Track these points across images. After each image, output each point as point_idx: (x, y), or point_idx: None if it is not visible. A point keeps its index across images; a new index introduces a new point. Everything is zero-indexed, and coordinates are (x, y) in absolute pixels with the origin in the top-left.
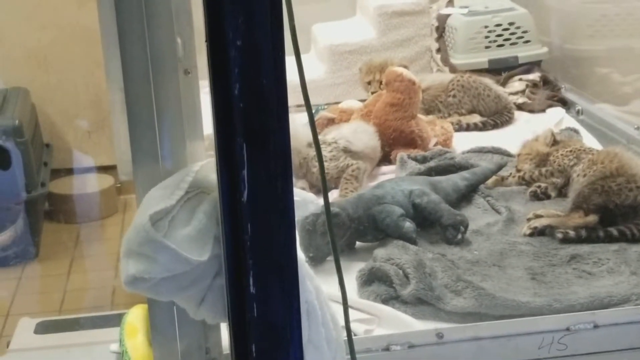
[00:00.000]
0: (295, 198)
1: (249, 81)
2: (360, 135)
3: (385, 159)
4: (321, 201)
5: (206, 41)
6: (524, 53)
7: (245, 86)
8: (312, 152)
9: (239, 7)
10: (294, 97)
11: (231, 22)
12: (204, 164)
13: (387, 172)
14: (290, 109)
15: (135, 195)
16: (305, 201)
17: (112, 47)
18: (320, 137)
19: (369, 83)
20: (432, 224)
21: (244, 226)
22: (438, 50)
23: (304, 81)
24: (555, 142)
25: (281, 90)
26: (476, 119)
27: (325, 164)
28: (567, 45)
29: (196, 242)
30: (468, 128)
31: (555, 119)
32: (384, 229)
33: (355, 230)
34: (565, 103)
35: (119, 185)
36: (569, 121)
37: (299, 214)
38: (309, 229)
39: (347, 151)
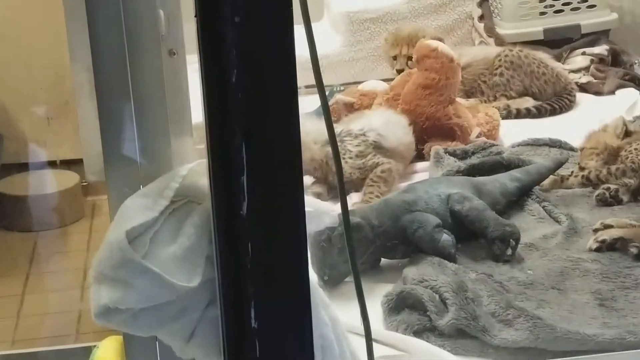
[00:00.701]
0: (308, 209)
1: (250, 66)
2: (394, 128)
3: (417, 155)
4: (338, 210)
5: (195, 16)
6: (588, 20)
7: (245, 72)
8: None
9: None
10: (302, 76)
11: None
12: (193, 166)
13: (419, 171)
14: (298, 90)
15: (108, 203)
16: (320, 212)
17: (78, 17)
18: (336, 127)
19: (395, 58)
20: (475, 237)
21: (243, 245)
22: (481, 18)
23: (316, 56)
24: (627, 133)
25: (290, 78)
26: (529, 103)
27: (350, 160)
28: None
29: (184, 264)
30: (519, 115)
31: (627, 102)
32: (416, 243)
33: (381, 245)
34: (639, 82)
35: (85, 183)
36: None
37: (312, 227)
38: (323, 246)
39: (377, 147)
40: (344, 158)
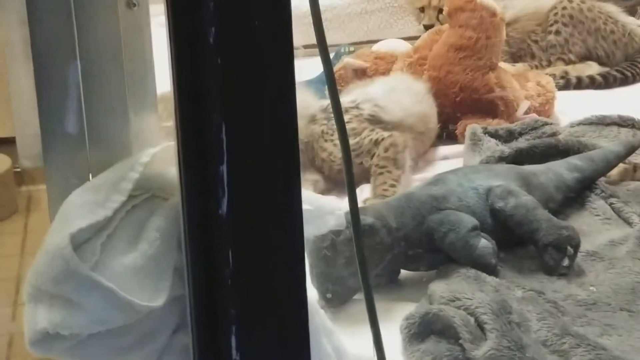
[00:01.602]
0: (306, 207)
1: (233, 23)
2: (400, 95)
3: (447, 135)
4: (345, 207)
5: None
6: None
7: (226, 31)
8: (319, 126)
9: None
10: (299, 33)
11: None
12: (158, 151)
13: (451, 156)
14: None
15: (47, 196)
16: (322, 211)
17: None
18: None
19: (423, 11)
20: (522, 243)
21: (222, 254)
22: None
23: (318, 7)
24: None
25: (284, 37)
26: (593, 69)
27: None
28: None
29: (145, 277)
30: (580, 84)
31: None
32: (446, 250)
33: (401, 253)
34: None
35: (18, 169)
36: None
37: (312, 231)
38: (326, 255)
39: (376, 121)
40: (331, 139)
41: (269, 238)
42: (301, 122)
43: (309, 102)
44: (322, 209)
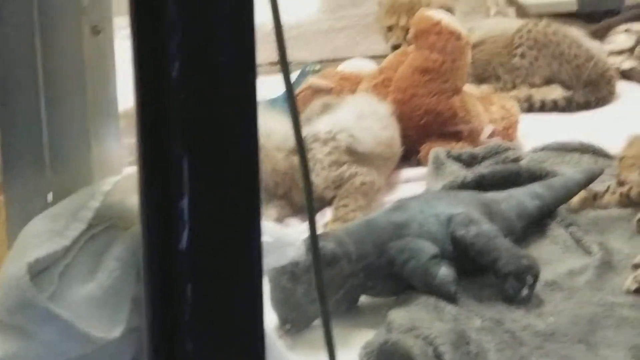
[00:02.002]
0: (267, 239)
1: (197, 57)
2: (368, 122)
3: (410, 157)
4: (305, 236)
5: None
6: None
7: (190, 65)
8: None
9: None
10: (264, 50)
11: None
12: (119, 180)
13: (413, 179)
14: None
15: (5, 223)
16: (282, 243)
17: None
18: (304, 121)
19: (390, 30)
20: (483, 271)
21: (181, 288)
22: None
23: (280, 26)
24: None
25: (248, 74)
26: (557, 93)
27: (323, 172)
28: None
29: (103, 308)
30: (544, 108)
31: None
32: (407, 278)
33: (361, 279)
34: None
35: None
36: None
37: (272, 262)
38: (285, 287)
39: (351, 153)
40: (314, 169)
41: (228, 273)
42: (280, 155)
43: (287, 134)
44: (282, 241)
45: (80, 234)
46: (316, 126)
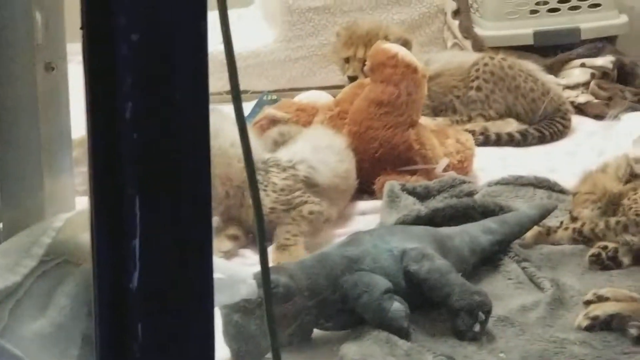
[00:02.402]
0: (219, 276)
1: (150, 99)
2: (325, 154)
3: (364, 190)
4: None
5: (82, 28)
6: (590, 23)
7: (143, 106)
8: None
9: None
10: (221, 79)
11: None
12: (72, 216)
13: (368, 212)
14: (212, 98)
15: None
16: (234, 280)
17: None
18: (265, 149)
19: (347, 61)
20: (435, 306)
21: (132, 327)
22: (456, 13)
23: (232, 54)
24: (632, 176)
25: (201, 116)
26: (512, 127)
27: (273, 194)
28: None
29: (54, 344)
30: (499, 141)
31: (634, 130)
32: (359, 312)
33: (314, 312)
34: None
35: None
36: None
37: (224, 300)
38: (238, 322)
39: (309, 184)
40: (265, 189)
41: (179, 313)
42: (238, 165)
43: (255, 150)
44: (234, 278)
45: (31, 270)
46: (278, 153)
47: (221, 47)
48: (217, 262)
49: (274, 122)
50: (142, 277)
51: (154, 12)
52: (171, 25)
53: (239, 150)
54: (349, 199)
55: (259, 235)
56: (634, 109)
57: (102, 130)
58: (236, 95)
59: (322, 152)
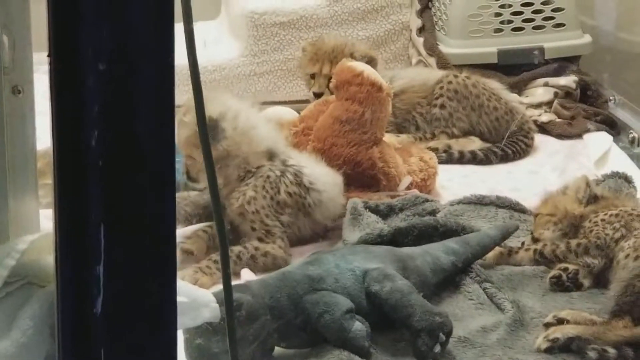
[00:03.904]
0: (181, 299)
1: (116, 127)
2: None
3: None
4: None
5: (49, 55)
6: (554, 43)
7: (108, 135)
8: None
9: (107, 5)
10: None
11: (91, 30)
12: (36, 238)
13: (329, 228)
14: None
15: None
16: (197, 303)
17: None
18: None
19: (313, 77)
20: (396, 327)
21: (95, 353)
22: (421, 30)
23: (196, 67)
24: (593, 198)
25: (166, 143)
26: (475, 145)
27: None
28: (622, 35)
29: None
30: (462, 159)
31: (596, 151)
32: (321, 330)
33: (275, 330)
34: (613, 125)
35: None
36: (618, 157)
37: (187, 322)
38: (200, 345)
39: (303, 205)
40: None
41: (142, 338)
42: (258, 150)
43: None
44: (197, 301)
45: None
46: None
47: (185, 61)
48: (180, 285)
49: None
50: (106, 303)
51: (121, 43)
52: (138, 55)
53: (259, 132)
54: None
55: (222, 254)
56: (594, 130)
57: (68, 158)
58: (200, 115)
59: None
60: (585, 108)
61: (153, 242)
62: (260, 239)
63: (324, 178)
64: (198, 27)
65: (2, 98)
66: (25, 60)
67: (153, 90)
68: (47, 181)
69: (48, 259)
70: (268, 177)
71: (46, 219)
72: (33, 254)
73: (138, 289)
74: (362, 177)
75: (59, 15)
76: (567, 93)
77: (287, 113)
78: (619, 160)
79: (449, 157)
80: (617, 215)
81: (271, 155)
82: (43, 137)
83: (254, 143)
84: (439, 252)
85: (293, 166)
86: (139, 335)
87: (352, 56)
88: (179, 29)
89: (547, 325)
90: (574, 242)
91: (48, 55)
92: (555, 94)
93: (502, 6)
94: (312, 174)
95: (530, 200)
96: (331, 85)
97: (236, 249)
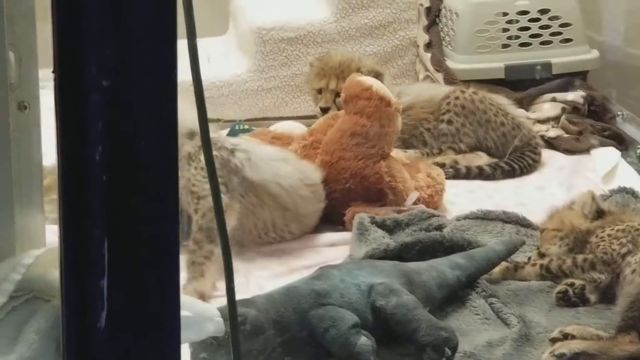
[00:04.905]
0: (186, 313)
1: (119, 142)
2: (282, 164)
3: (333, 220)
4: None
5: (54, 71)
6: (561, 58)
7: (112, 150)
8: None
9: (111, 23)
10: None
11: (96, 48)
12: (42, 253)
13: (337, 243)
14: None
15: None
16: (201, 317)
17: None
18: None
19: (320, 92)
20: (402, 341)
21: None
22: (428, 46)
23: (200, 83)
24: (600, 214)
25: (169, 158)
26: (482, 160)
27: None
28: (629, 50)
29: None
30: (469, 174)
31: (604, 166)
32: (326, 345)
33: (281, 345)
34: (621, 140)
35: None
36: (626, 172)
37: (191, 337)
38: (205, 359)
39: (240, 179)
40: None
41: (146, 352)
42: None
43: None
44: (201, 315)
45: (1, 306)
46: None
47: (189, 77)
48: (184, 299)
49: None
50: (110, 317)
51: (125, 59)
52: (141, 72)
53: (181, 112)
54: (312, 227)
55: (226, 270)
56: (601, 145)
57: (72, 172)
58: (203, 128)
59: (282, 162)
60: (593, 123)
61: (156, 256)
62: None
63: (258, 147)
64: (205, 43)
65: (8, 114)
66: (31, 77)
67: (156, 106)
68: (54, 197)
69: (54, 273)
70: (189, 153)
71: (54, 234)
72: (39, 268)
73: (142, 303)
74: (368, 191)
75: (64, 33)
76: (574, 108)
77: (298, 127)
78: (627, 176)
79: (455, 173)
80: (623, 230)
81: (192, 135)
82: (50, 153)
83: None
84: (444, 267)
85: (212, 137)
86: (143, 349)
87: (359, 71)
88: (183, 45)
89: (554, 341)
90: (580, 257)
91: (53, 72)
92: (563, 109)
93: (509, 22)
94: (235, 141)
95: (536, 215)
96: (340, 99)
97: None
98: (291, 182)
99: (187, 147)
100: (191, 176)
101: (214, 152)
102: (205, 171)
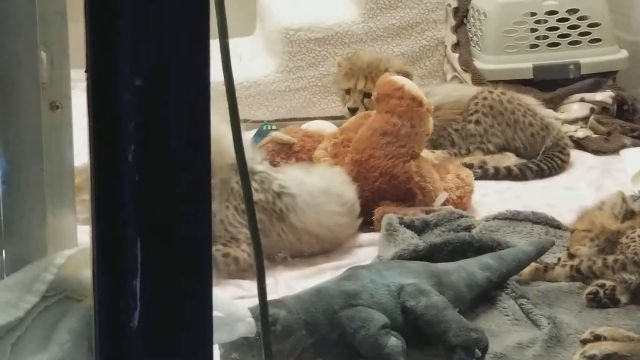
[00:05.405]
0: (217, 314)
1: (152, 142)
2: (322, 198)
3: (364, 220)
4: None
5: (86, 71)
6: (590, 58)
7: (145, 150)
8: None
9: (144, 22)
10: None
11: (129, 47)
12: (74, 253)
13: (366, 244)
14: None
15: None
16: (232, 318)
17: None
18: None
19: (348, 92)
20: (432, 342)
21: None
22: (456, 46)
23: (232, 83)
24: (629, 214)
25: (201, 158)
26: (510, 161)
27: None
28: None
29: None
30: (497, 175)
31: (633, 166)
32: (356, 347)
33: (311, 346)
34: None
35: None
36: None
37: (222, 337)
38: (236, 359)
39: (280, 218)
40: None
41: (178, 352)
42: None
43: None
44: (232, 316)
45: (34, 306)
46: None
47: (221, 77)
48: (216, 299)
49: (280, 145)
50: (143, 317)
51: (157, 59)
52: (174, 71)
53: (228, 141)
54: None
55: (258, 271)
56: (632, 145)
57: (105, 172)
58: (235, 128)
59: (323, 197)
60: (622, 123)
61: (189, 257)
62: (224, 245)
63: (303, 185)
64: (233, 43)
65: (40, 113)
66: (63, 77)
67: (189, 105)
68: (85, 197)
69: (86, 273)
70: (232, 188)
71: (85, 234)
72: (71, 268)
73: (174, 303)
74: (397, 190)
75: (97, 33)
76: (603, 108)
77: (328, 126)
78: None
79: (484, 173)
80: None
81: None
82: (81, 153)
83: (224, 153)
84: (474, 268)
85: (260, 173)
86: (176, 349)
87: (386, 71)
88: (214, 44)
89: (584, 342)
90: (610, 258)
91: (86, 71)
92: (592, 110)
93: (537, 22)
94: (286, 179)
95: (566, 216)
96: (372, 97)
97: None
98: (333, 220)
99: (233, 182)
100: (230, 215)
101: (260, 195)
102: (242, 216)
